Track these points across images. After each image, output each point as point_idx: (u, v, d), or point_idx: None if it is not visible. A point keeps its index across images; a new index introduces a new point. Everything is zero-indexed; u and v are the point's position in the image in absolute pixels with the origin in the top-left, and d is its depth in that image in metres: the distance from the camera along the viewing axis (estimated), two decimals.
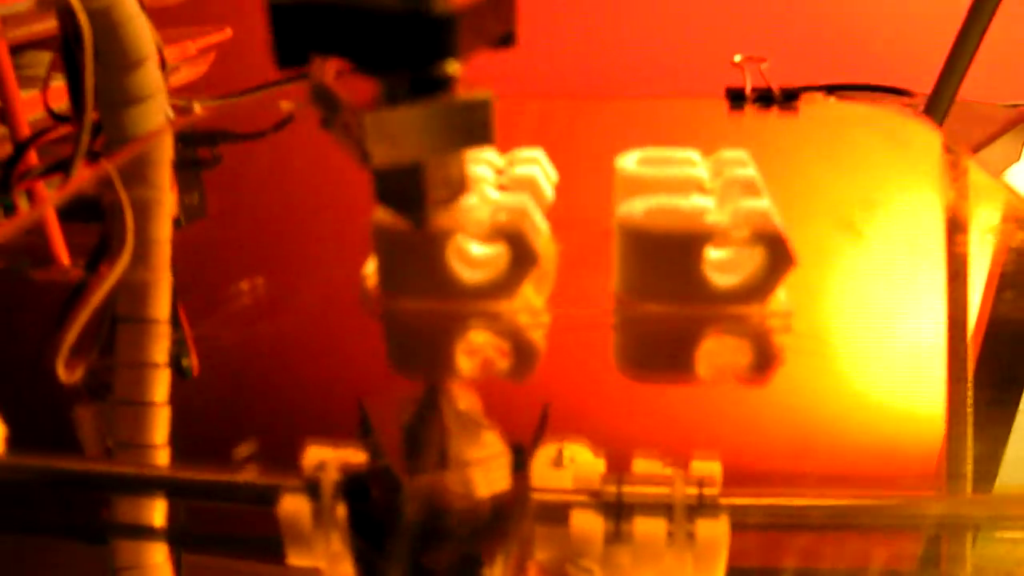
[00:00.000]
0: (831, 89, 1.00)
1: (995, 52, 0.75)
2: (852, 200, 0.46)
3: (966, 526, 0.26)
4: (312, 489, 0.25)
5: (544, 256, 0.34)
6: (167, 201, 0.50)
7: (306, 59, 0.24)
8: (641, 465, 0.26)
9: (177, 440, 0.33)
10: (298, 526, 0.25)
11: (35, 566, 0.29)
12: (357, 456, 0.26)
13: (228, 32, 1.07)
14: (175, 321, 0.40)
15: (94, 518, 0.30)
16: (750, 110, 0.59)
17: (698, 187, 0.35)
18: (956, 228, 0.43)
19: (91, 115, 0.53)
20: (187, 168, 0.56)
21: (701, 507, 0.24)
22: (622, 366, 0.32)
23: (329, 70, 0.24)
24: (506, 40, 0.25)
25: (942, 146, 0.53)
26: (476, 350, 0.32)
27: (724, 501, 0.25)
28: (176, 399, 0.34)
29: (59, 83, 0.56)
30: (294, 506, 0.25)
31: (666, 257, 0.31)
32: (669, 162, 0.37)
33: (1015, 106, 0.95)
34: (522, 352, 0.32)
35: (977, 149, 0.84)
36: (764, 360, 0.32)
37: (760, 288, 0.31)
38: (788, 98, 0.58)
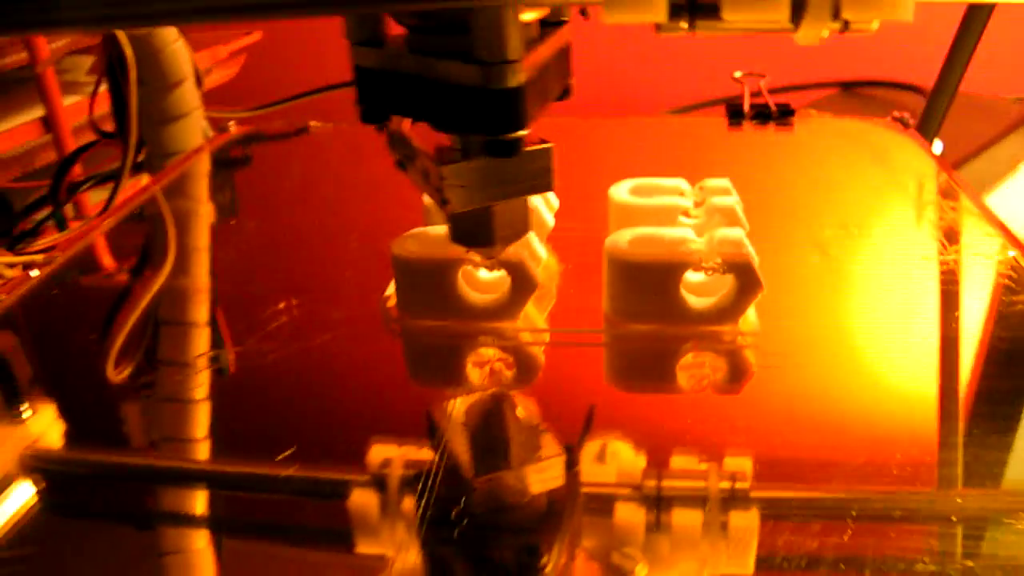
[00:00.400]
0: (846, 86, 0.98)
1: (1002, 45, 0.72)
2: (831, 221, 0.45)
3: (984, 519, 0.27)
4: (379, 483, 0.27)
5: (545, 279, 0.35)
6: (206, 212, 0.52)
7: (387, 117, 0.26)
8: (679, 461, 0.28)
9: (216, 434, 0.34)
10: (367, 517, 0.27)
11: (88, 549, 0.31)
12: (419, 453, 0.28)
13: (258, 35, 1.08)
14: (213, 323, 0.41)
15: (140, 506, 0.32)
16: (748, 127, 0.59)
17: (683, 215, 0.37)
18: (943, 243, 0.43)
19: (135, 133, 0.55)
20: (219, 168, 0.57)
21: (734, 499, 0.26)
22: (610, 379, 0.34)
23: (405, 121, 0.26)
24: (565, 94, 0.27)
25: (933, 166, 0.53)
26: (483, 363, 0.33)
27: (755, 494, 0.26)
28: (214, 396, 0.36)
29: (101, 88, 0.58)
30: (363, 499, 0.27)
31: (648, 283, 0.33)
32: (658, 191, 0.38)
33: (1023, 100, 0.93)
34: (524, 365, 0.33)
35: (985, 146, 0.83)
36: (735, 374, 0.33)
37: (732, 310, 0.33)
38: (784, 114, 0.59)
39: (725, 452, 0.28)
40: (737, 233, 0.33)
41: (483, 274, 0.34)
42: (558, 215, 0.39)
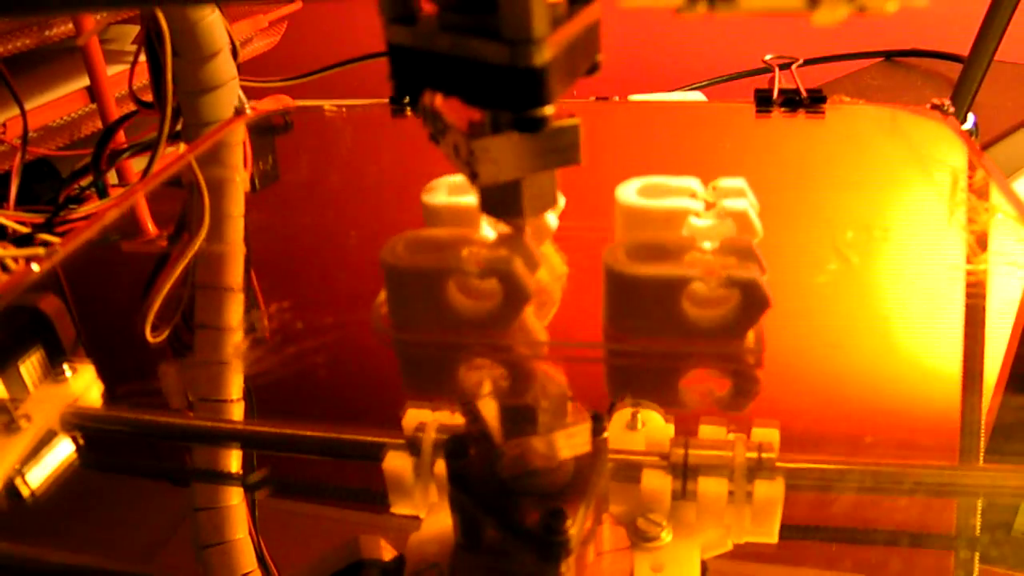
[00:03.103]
0: (887, 55, 0.96)
1: None
2: (856, 222, 0.43)
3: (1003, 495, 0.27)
4: (413, 446, 0.27)
5: (549, 283, 0.35)
6: (240, 180, 0.52)
7: (419, 92, 0.26)
8: (707, 431, 0.28)
9: (249, 395, 0.35)
10: (401, 479, 0.27)
11: (128, 503, 0.32)
12: (452, 419, 0.28)
13: (299, 3, 1.08)
14: (248, 288, 0.42)
15: (178, 463, 0.33)
16: (776, 114, 0.56)
17: (695, 215, 0.35)
18: (974, 248, 0.41)
19: (171, 103, 0.56)
20: (260, 135, 0.57)
21: (760, 469, 0.26)
22: (609, 395, 0.33)
23: (437, 95, 0.26)
24: (593, 70, 0.27)
25: (966, 157, 0.50)
26: (477, 376, 0.33)
27: (780, 464, 0.26)
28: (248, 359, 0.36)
29: (142, 58, 0.59)
30: (397, 461, 0.27)
31: (647, 299, 0.32)
32: (668, 191, 0.37)
33: None
34: (518, 378, 0.32)
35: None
36: (740, 392, 0.32)
37: (737, 326, 0.32)
38: (815, 101, 0.56)
39: (753, 423, 0.27)
40: (745, 244, 0.32)
41: (477, 282, 0.33)
42: (564, 213, 0.38)
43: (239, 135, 0.56)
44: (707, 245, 0.32)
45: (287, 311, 0.38)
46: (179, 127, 0.59)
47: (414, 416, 0.28)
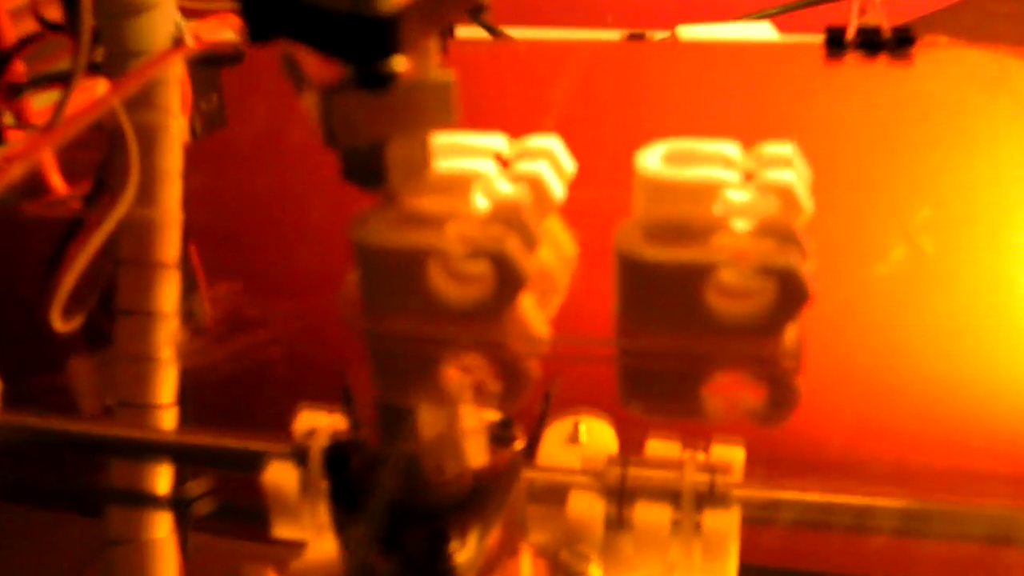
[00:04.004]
0: None
1: None
2: (933, 199, 0.43)
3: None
4: (300, 456, 0.27)
5: (555, 268, 0.35)
6: (177, 127, 0.52)
7: (271, 37, 0.27)
8: (655, 447, 0.28)
9: (187, 399, 0.34)
10: (283, 495, 0.27)
11: (21, 536, 0.31)
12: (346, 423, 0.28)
13: None
14: (185, 265, 0.41)
15: (87, 484, 0.32)
16: (852, 58, 0.56)
17: (725, 193, 0.35)
18: None
19: (89, 26, 0.54)
20: (203, 67, 0.56)
21: (712, 496, 0.26)
22: (620, 400, 0.33)
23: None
24: (477, 11, 0.28)
25: None
26: (462, 375, 0.33)
27: (739, 492, 0.26)
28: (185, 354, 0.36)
29: None
30: (280, 474, 0.27)
31: (664, 288, 0.32)
32: (698, 159, 0.36)
33: None
34: (512, 380, 0.33)
35: None
36: (773, 403, 0.32)
37: (772, 323, 0.32)
38: (901, 43, 0.55)
39: (712, 439, 0.28)
40: (784, 225, 0.32)
41: (464, 265, 0.33)
42: (577, 182, 0.38)
43: (177, 70, 0.55)
44: (740, 225, 0.32)
45: (235, 294, 0.38)
46: (98, 57, 0.57)
47: (307, 420, 0.29)
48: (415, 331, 0.33)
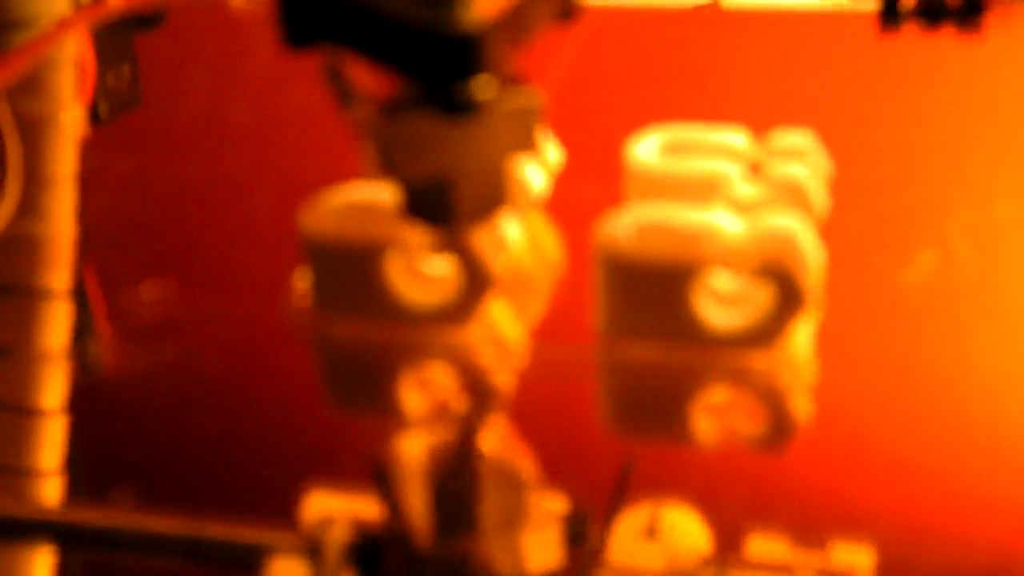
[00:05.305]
0: None
1: None
2: (976, 201, 0.43)
3: None
4: (314, 552, 0.27)
5: (534, 268, 0.37)
6: (70, 119, 0.51)
7: (315, 41, 0.27)
8: (758, 544, 0.27)
9: (76, 464, 0.33)
10: None
11: None
12: (373, 510, 0.28)
13: None
14: (79, 293, 0.40)
15: None
16: (910, 29, 0.57)
17: (730, 188, 0.37)
18: None
19: None
20: (112, 33, 0.55)
21: None
22: (604, 418, 0.35)
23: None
24: (566, 15, 0.29)
25: None
26: (425, 386, 0.35)
27: None
28: (79, 404, 0.35)
29: None
30: (289, 573, 0.27)
31: (648, 291, 0.33)
32: (701, 149, 0.39)
33: None
34: (479, 393, 0.34)
35: None
36: (772, 425, 0.33)
37: (767, 331, 0.33)
38: (971, 10, 0.56)
39: (833, 536, 0.27)
40: (788, 222, 0.33)
41: (430, 263, 0.35)
42: (564, 172, 0.40)
43: (70, 48, 0.54)
44: (737, 224, 0.34)
45: (156, 300, 0.39)
46: None
47: (319, 504, 0.29)
48: (370, 337, 0.35)
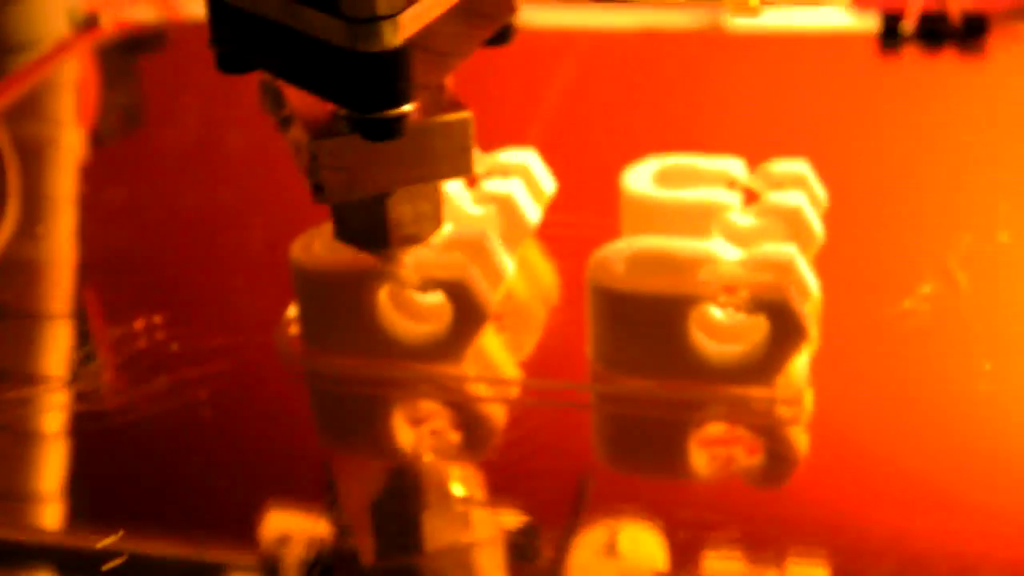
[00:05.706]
0: None
1: None
2: (984, 224, 0.42)
3: None
4: (269, 570, 0.27)
5: (528, 301, 0.37)
6: (72, 142, 0.51)
7: (247, 69, 0.28)
8: (714, 564, 0.27)
9: (77, 490, 0.33)
10: None
11: None
12: (329, 527, 0.29)
13: None
14: (79, 318, 0.40)
15: None
16: (910, 51, 0.57)
17: (727, 218, 0.37)
18: None
19: None
20: (116, 55, 0.56)
21: None
22: (599, 453, 0.34)
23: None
24: (501, 39, 0.29)
25: None
26: (418, 423, 0.34)
27: None
28: (79, 430, 0.35)
29: None
30: None
31: (643, 324, 0.33)
32: (696, 177, 0.38)
33: None
34: (472, 428, 0.34)
35: None
36: (771, 459, 0.32)
37: (765, 366, 0.33)
38: (972, 31, 0.56)
39: (788, 551, 0.28)
40: (783, 254, 0.33)
41: (422, 296, 0.35)
42: (557, 204, 0.39)
43: (72, 69, 0.55)
44: (733, 254, 0.34)
45: (152, 330, 0.38)
46: None
47: (277, 523, 0.29)
48: (362, 371, 0.35)
